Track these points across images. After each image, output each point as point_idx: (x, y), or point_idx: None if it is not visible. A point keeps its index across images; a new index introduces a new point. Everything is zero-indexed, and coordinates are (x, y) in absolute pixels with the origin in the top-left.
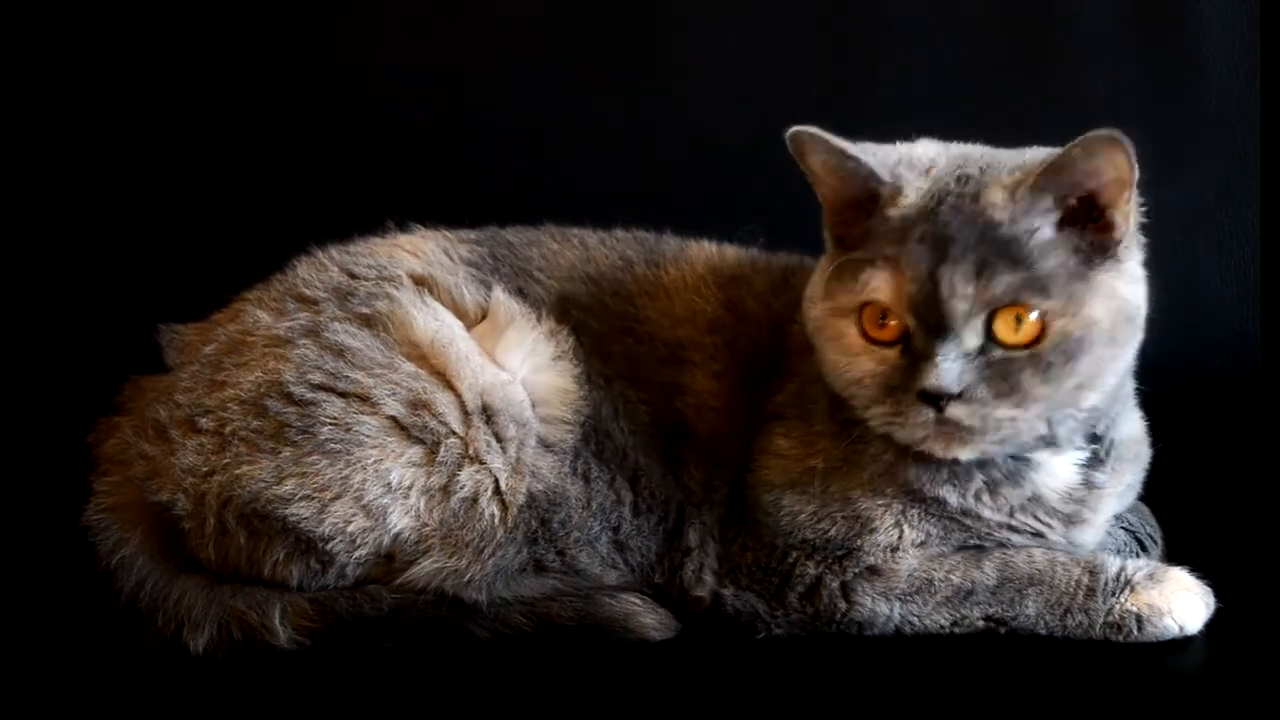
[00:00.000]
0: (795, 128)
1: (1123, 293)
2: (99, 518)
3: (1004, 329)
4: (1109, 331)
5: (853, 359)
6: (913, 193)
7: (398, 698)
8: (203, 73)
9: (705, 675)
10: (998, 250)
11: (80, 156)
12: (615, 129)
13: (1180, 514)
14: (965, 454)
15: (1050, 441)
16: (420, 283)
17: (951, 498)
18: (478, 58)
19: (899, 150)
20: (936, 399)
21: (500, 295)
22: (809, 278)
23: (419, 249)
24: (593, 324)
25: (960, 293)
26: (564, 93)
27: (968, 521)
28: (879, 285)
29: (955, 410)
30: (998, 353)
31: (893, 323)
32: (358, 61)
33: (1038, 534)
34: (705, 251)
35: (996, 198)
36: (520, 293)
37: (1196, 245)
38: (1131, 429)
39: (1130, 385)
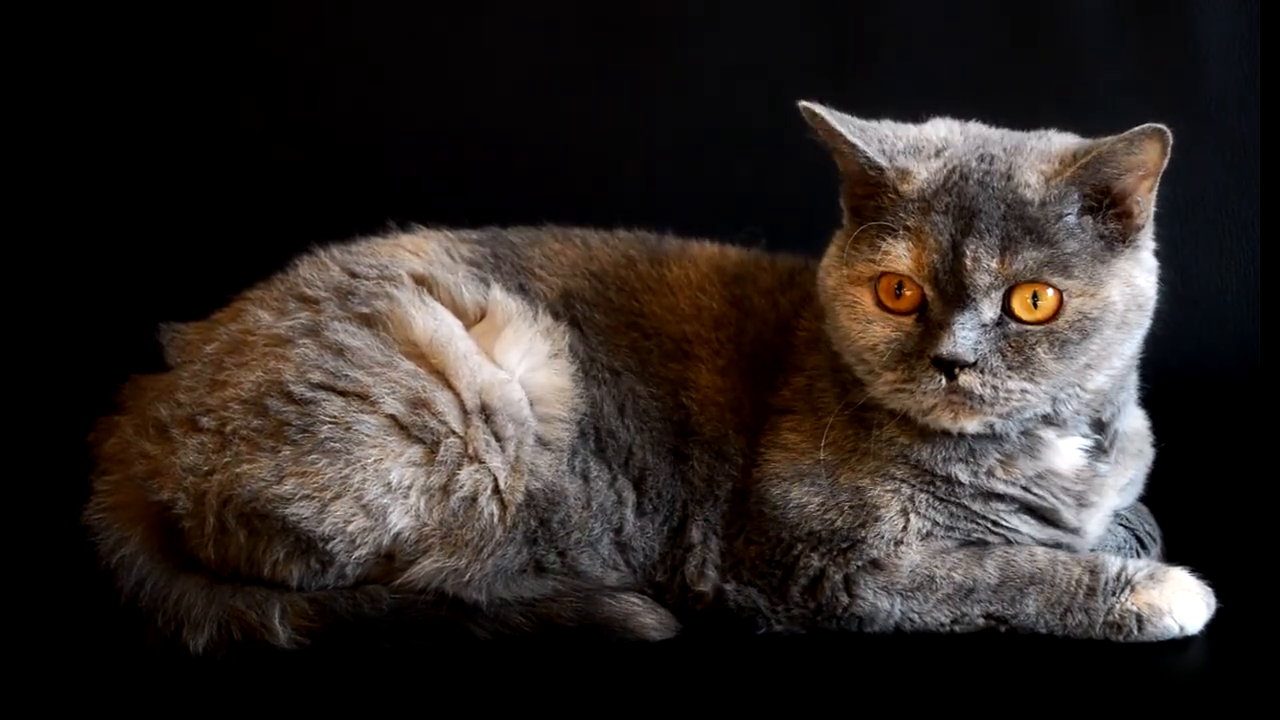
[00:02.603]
0: (802, 103)
1: (1138, 280)
2: (99, 517)
3: (1020, 305)
4: (1121, 315)
5: (866, 325)
6: (924, 171)
7: (398, 698)
8: (203, 73)
9: (705, 675)
10: (1024, 228)
11: (80, 156)
12: (615, 130)
13: (1180, 514)
14: (971, 425)
15: (1052, 421)
16: (421, 282)
17: (964, 475)
18: (478, 58)
19: (909, 134)
20: (950, 366)
21: (498, 294)
22: (814, 277)
23: (421, 248)
24: (598, 317)
25: (984, 265)
26: (564, 93)
27: (976, 506)
28: (900, 254)
29: (968, 379)
30: (1013, 326)
31: (909, 293)
32: (359, 62)
33: (1051, 510)
34: (707, 251)
35: (1030, 179)
36: (522, 290)
37: (1196, 245)
38: (1135, 423)
39: (1134, 377)
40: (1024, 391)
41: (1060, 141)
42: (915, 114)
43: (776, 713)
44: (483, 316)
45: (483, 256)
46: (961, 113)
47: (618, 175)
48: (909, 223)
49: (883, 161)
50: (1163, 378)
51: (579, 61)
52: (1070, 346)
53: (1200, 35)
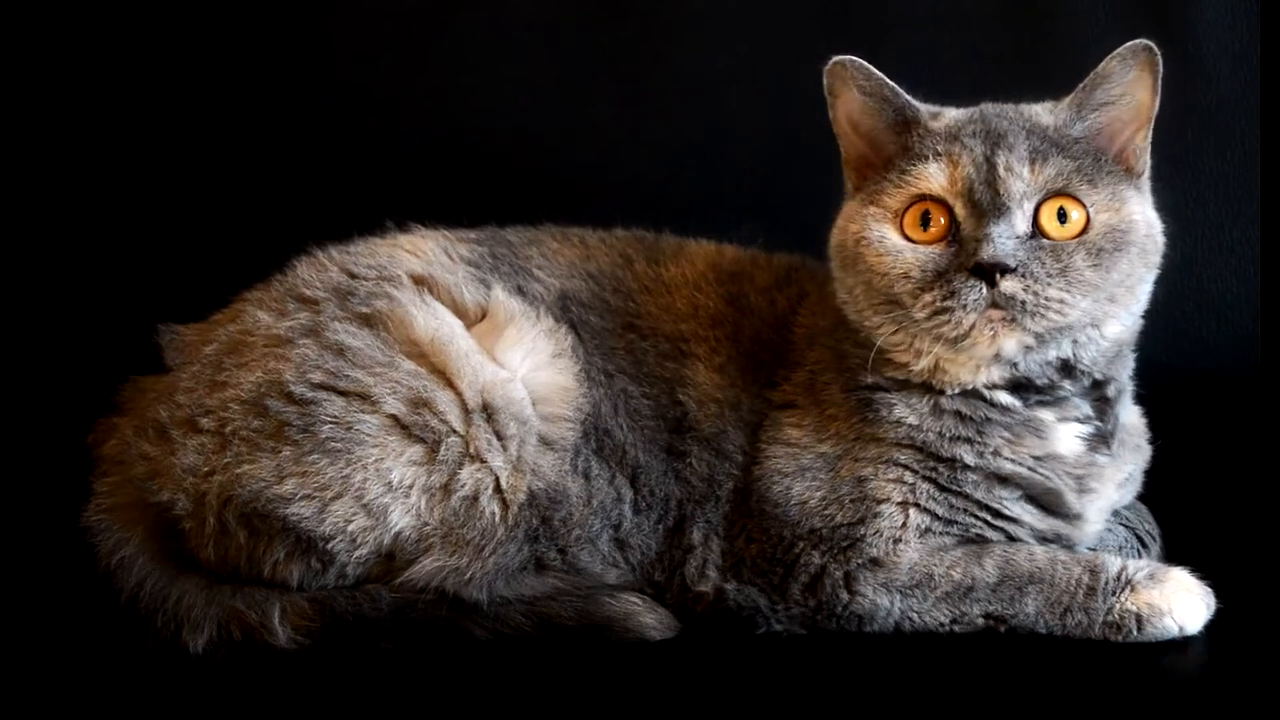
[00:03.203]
0: (838, 57)
1: (1150, 215)
2: (99, 518)
3: (1049, 221)
4: (1142, 240)
5: (897, 256)
6: (952, 110)
7: (398, 698)
8: (203, 73)
9: (705, 675)
10: (1049, 142)
11: (80, 156)
12: (615, 129)
13: (1180, 514)
14: (1011, 343)
15: (1069, 371)
16: (420, 282)
17: (969, 457)
18: (478, 58)
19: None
20: (991, 272)
21: (500, 294)
22: (811, 275)
23: (419, 249)
24: (593, 320)
25: (1017, 172)
26: (564, 93)
27: (979, 495)
28: (933, 174)
29: (1009, 284)
30: (1046, 241)
31: (937, 223)
32: (358, 62)
33: (1055, 492)
34: (705, 249)
35: (1040, 108)
36: (520, 291)
37: (1196, 245)
38: (1132, 417)
39: (1132, 361)
40: (1062, 302)
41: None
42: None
43: (776, 713)
44: (483, 316)
45: (481, 256)
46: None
47: (617, 175)
48: (939, 148)
49: (917, 104)
50: (1162, 377)
51: (578, 61)
52: (1105, 256)
53: (1200, 35)
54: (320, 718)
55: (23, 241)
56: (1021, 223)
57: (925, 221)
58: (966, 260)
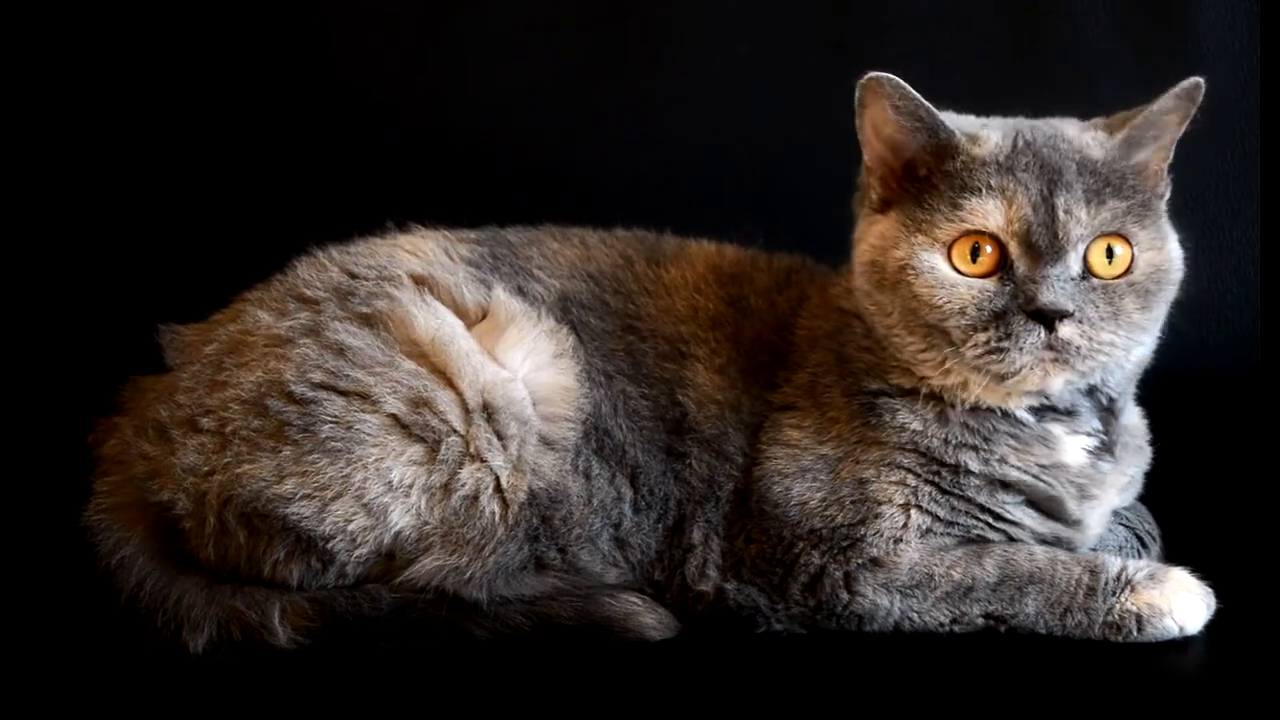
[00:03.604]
0: (875, 73)
1: (1177, 248)
2: (99, 518)
3: (1098, 260)
4: (1174, 275)
5: (950, 290)
6: (994, 135)
7: (398, 698)
8: (203, 73)
9: (705, 675)
10: (1101, 179)
11: (80, 156)
12: (615, 130)
13: (1180, 514)
14: (1058, 381)
15: (1092, 393)
16: (420, 282)
17: (974, 464)
18: (478, 58)
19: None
20: (1051, 317)
21: (500, 294)
22: (811, 276)
23: (419, 249)
24: (593, 321)
25: (1076, 215)
26: (564, 93)
27: (981, 498)
28: (989, 211)
29: (1067, 330)
30: (1095, 281)
31: (989, 253)
32: (358, 62)
33: (1057, 500)
34: (705, 250)
35: (1088, 140)
36: (520, 291)
37: (1196, 245)
38: (1134, 419)
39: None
40: (1112, 344)
41: (1074, 122)
42: None
43: (776, 713)
44: (484, 316)
45: (481, 256)
46: (962, 112)
47: (618, 175)
48: (992, 182)
49: (953, 127)
50: (1162, 378)
51: (579, 61)
52: (1151, 298)
53: (1200, 35)
54: (320, 718)
55: (23, 241)
56: (1075, 264)
57: (975, 253)
58: (1025, 303)
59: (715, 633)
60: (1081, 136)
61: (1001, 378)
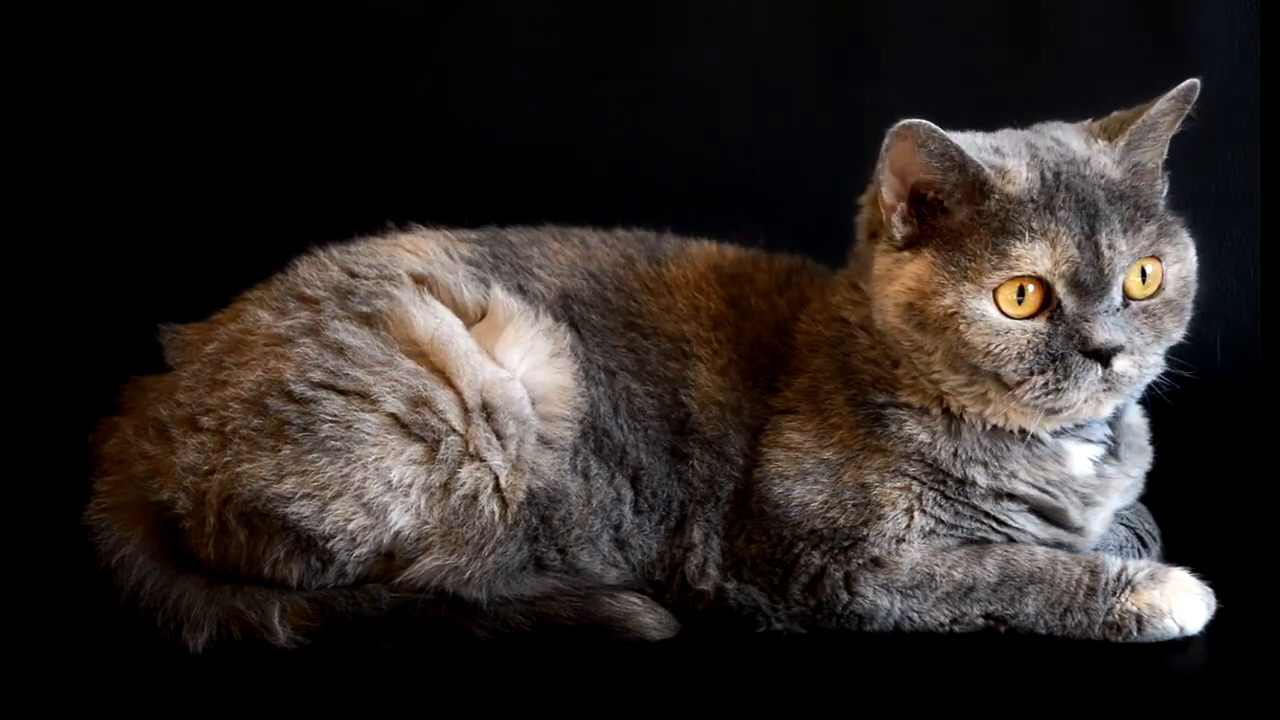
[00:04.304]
0: (909, 120)
1: (1191, 244)
2: (99, 517)
3: (1133, 283)
4: (1195, 273)
5: (1005, 337)
6: (1022, 168)
7: (398, 698)
8: (203, 73)
9: (705, 675)
10: (1130, 205)
11: (80, 156)
12: (616, 129)
13: (1180, 514)
14: (1109, 408)
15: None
16: (420, 281)
17: (981, 478)
18: (478, 58)
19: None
20: (1108, 355)
21: (499, 293)
22: (811, 278)
23: (419, 248)
24: (595, 318)
25: (1119, 249)
26: (565, 93)
27: (986, 506)
28: (1037, 256)
29: (1122, 363)
30: (1135, 305)
31: (1033, 292)
32: (358, 62)
33: (1061, 510)
34: (706, 250)
35: (1105, 160)
36: (520, 290)
37: (1197, 245)
38: (1135, 418)
39: None
40: (1158, 364)
41: (1072, 127)
42: (915, 112)
43: (776, 713)
44: (483, 316)
45: (481, 256)
46: (962, 112)
47: (618, 175)
48: (1033, 224)
49: (982, 162)
50: (1162, 377)
51: (579, 61)
52: (1183, 312)
53: (1200, 35)
54: (320, 718)
55: (23, 241)
56: (1118, 295)
57: (1021, 295)
58: (1081, 344)
59: (715, 633)
60: (1094, 155)
61: (1055, 412)
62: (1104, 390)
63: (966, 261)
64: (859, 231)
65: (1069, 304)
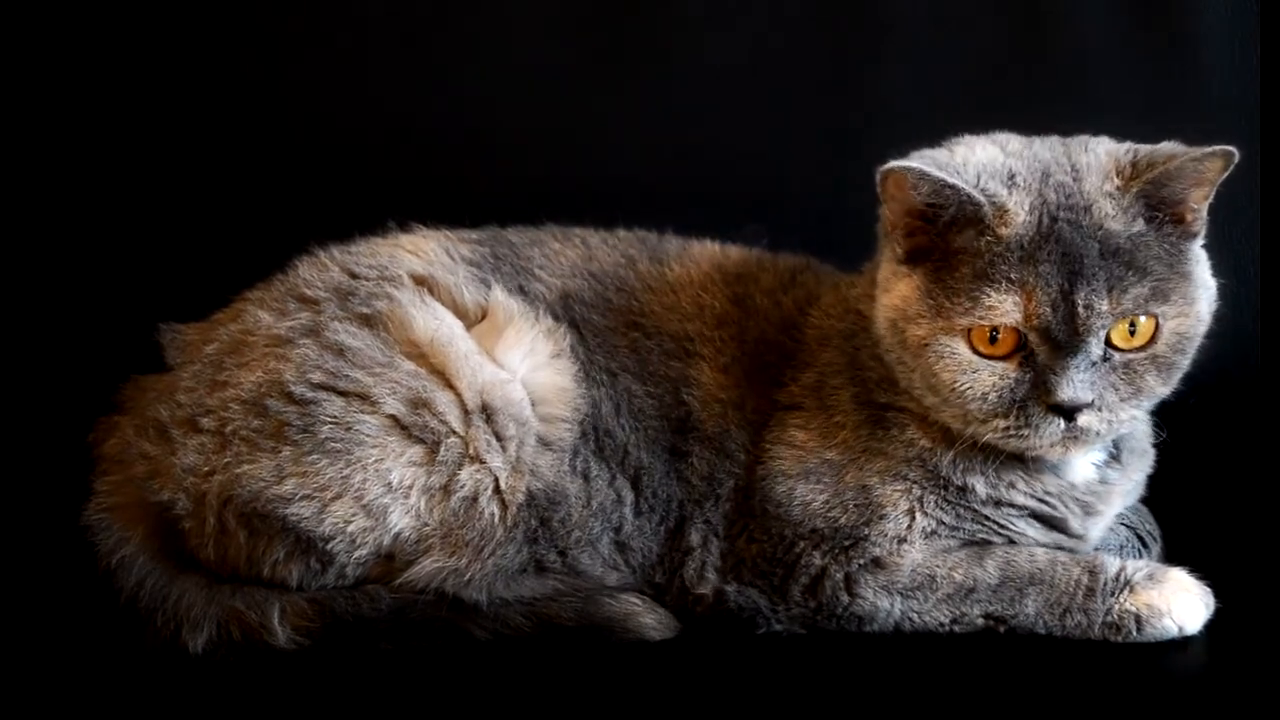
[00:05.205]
0: (897, 164)
1: (1209, 280)
2: (99, 518)
3: (1119, 335)
4: (1206, 321)
5: (972, 376)
6: (1021, 211)
7: (397, 698)
8: (203, 73)
9: (705, 675)
10: (1123, 263)
11: (80, 156)
12: (616, 130)
13: (1180, 514)
14: (1078, 454)
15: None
16: (421, 283)
17: (980, 487)
18: (478, 58)
19: (966, 157)
20: (1071, 411)
21: (499, 294)
22: (817, 277)
23: (420, 249)
24: (596, 319)
25: (1096, 309)
26: (564, 93)
27: (987, 511)
28: (1008, 310)
29: (1086, 419)
30: (1118, 358)
31: (1005, 337)
32: (358, 61)
33: (1060, 519)
34: (709, 250)
35: (1108, 208)
36: (522, 291)
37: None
38: (1140, 423)
39: None
40: (1133, 418)
41: (1105, 150)
42: (916, 112)
43: (776, 713)
44: (483, 317)
45: (482, 257)
46: (962, 112)
47: (618, 174)
48: (1012, 275)
49: (981, 199)
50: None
51: (579, 61)
52: (1174, 369)
53: (1200, 36)
54: (320, 718)
55: (23, 241)
56: (1096, 349)
57: (994, 336)
58: (1045, 395)
59: (715, 633)
60: (1099, 201)
61: (1020, 453)
62: (1069, 440)
63: (944, 298)
64: (880, 227)
65: (1041, 354)
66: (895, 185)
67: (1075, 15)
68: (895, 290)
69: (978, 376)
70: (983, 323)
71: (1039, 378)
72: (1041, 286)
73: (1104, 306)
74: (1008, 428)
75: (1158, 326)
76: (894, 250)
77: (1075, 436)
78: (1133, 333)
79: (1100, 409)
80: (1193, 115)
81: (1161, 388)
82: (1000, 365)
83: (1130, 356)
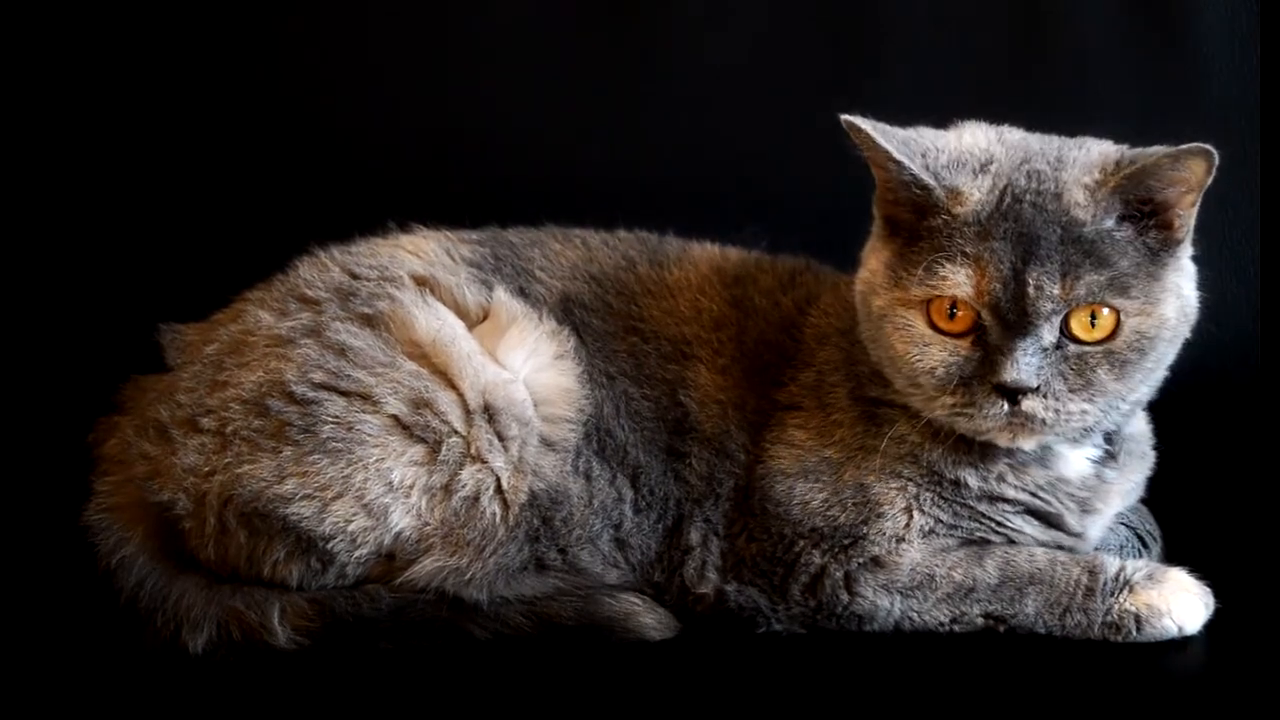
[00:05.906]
0: (846, 116)
1: (1186, 290)
2: (99, 518)
3: (1079, 325)
4: (1174, 329)
5: (923, 349)
6: (977, 192)
7: (397, 698)
8: (203, 73)
9: (705, 675)
10: (1082, 251)
11: (80, 156)
12: (616, 130)
13: (1180, 514)
14: (1029, 444)
15: (1090, 430)
16: (422, 283)
17: (972, 480)
18: (478, 58)
19: (950, 145)
20: (1014, 393)
21: (502, 295)
22: (817, 278)
23: (421, 249)
24: (595, 322)
25: (1046, 292)
26: (564, 93)
27: (982, 507)
28: (960, 282)
29: (1030, 404)
30: (1072, 348)
31: (963, 314)
32: (358, 61)
33: (1056, 516)
34: (708, 252)
35: (1079, 197)
36: (522, 292)
37: (1196, 246)
38: (1140, 425)
39: None
40: (1084, 412)
41: (1099, 150)
42: (915, 111)
43: (776, 713)
44: (485, 317)
45: (483, 257)
46: (962, 113)
47: (618, 175)
48: (967, 249)
49: (930, 180)
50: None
51: (579, 61)
52: (1129, 366)
53: (1200, 36)
54: (320, 718)
55: (23, 241)
56: (1049, 335)
57: (953, 311)
58: (990, 374)
59: (715, 633)
60: (1071, 189)
61: (970, 434)
62: (1015, 425)
63: (903, 269)
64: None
65: (993, 334)
66: (861, 143)
67: (1075, 15)
68: (869, 263)
69: (928, 350)
70: (935, 293)
71: (987, 357)
72: (994, 263)
73: (1055, 290)
74: (954, 404)
75: (1119, 322)
76: (877, 221)
77: (1020, 422)
78: (1094, 324)
79: (1046, 395)
80: (1193, 115)
81: (1115, 385)
82: (953, 342)
83: (1086, 349)
